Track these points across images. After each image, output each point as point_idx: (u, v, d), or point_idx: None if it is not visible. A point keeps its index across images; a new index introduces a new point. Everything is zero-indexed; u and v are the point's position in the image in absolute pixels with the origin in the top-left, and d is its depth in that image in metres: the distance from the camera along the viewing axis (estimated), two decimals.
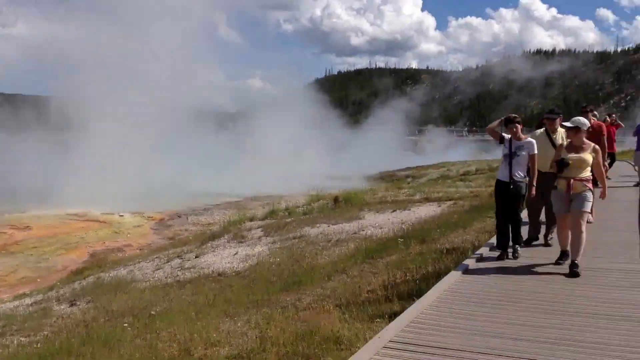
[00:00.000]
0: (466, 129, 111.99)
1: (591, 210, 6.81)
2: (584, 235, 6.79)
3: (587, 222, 7.31)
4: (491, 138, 7.89)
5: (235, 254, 12.62)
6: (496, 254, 7.69)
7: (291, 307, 7.53)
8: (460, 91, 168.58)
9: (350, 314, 6.37)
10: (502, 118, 7.67)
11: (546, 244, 8.34)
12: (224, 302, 8.73)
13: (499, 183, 7.63)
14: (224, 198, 29.48)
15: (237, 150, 46.39)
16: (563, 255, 7.15)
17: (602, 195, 7.01)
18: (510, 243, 7.64)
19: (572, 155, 6.76)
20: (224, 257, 12.50)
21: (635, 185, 14.17)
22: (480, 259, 7.67)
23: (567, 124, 6.95)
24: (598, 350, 4.52)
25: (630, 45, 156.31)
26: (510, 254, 7.55)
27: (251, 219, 17.53)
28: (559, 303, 5.76)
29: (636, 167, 15.15)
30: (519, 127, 7.46)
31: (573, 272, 6.69)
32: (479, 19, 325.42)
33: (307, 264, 10.49)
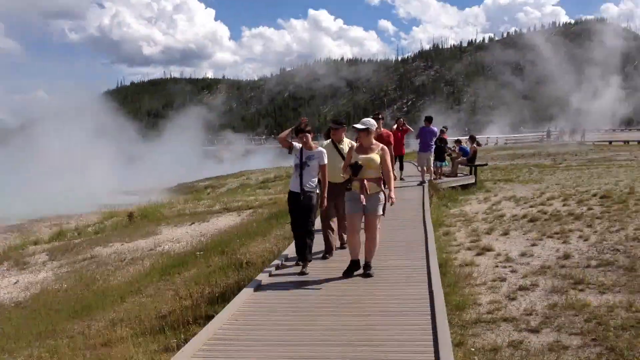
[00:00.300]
0: (264, 136, 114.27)
1: (384, 210, 6.99)
2: (377, 238, 7.02)
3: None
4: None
5: (15, 282, 11.49)
6: (293, 262, 7.67)
7: (80, 336, 6.99)
8: (257, 99, 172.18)
9: (145, 337, 5.98)
10: (293, 127, 7.61)
11: (342, 247, 8.48)
12: (1, 337, 7.97)
13: (290, 194, 7.46)
14: (4, 221, 26.58)
15: (19, 168, 42.26)
16: (354, 265, 7.10)
17: (390, 200, 6.89)
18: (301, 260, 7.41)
19: (362, 156, 6.93)
20: (2, 288, 11.38)
21: (418, 185, 15.26)
22: (278, 268, 7.60)
23: (358, 125, 7.07)
24: (394, 347, 4.63)
25: (409, 54, 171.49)
26: (300, 269, 7.28)
27: (35, 243, 16.05)
28: (356, 304, 5.87)
29: (419, 168, 16.34)
30: (310, 136, 7.38)
31: (367, 274, 6.90)
32: (272, 29, 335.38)
33: (98, 287, 9.84)
